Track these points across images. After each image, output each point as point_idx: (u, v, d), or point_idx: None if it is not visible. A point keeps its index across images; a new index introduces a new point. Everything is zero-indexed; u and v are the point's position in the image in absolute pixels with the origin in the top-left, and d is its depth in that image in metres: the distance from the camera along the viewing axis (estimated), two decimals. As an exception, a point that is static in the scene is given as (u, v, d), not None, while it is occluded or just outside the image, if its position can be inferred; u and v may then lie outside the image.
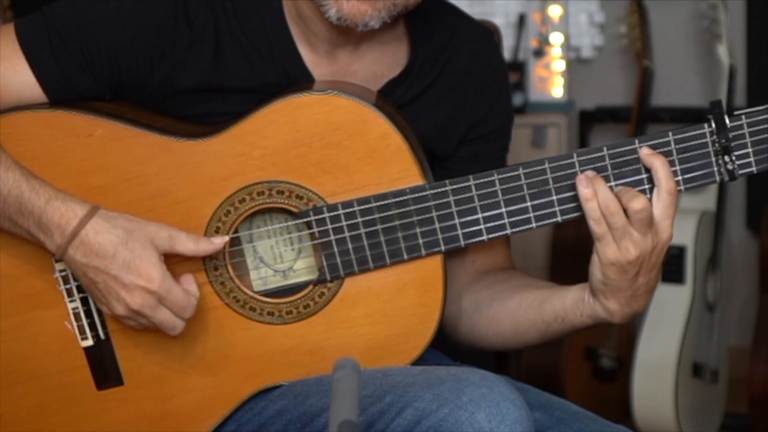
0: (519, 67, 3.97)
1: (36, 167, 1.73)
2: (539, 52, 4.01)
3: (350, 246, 1.74)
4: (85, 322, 1.77)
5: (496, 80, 1.90)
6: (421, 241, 1.74)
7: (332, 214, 1.73)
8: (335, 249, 1.74)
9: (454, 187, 1.73)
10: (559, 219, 1.73)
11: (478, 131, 1.88)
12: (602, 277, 1.70)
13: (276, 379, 1.78)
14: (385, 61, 1.83)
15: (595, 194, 1.68)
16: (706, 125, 1.71)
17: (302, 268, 1.80)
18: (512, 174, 1.72)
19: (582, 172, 1.70)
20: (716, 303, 3.75)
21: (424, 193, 1.73)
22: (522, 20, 4.02)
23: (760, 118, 1.71)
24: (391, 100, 1.81)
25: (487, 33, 1.93)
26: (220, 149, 1.73)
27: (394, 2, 1.72)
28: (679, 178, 1.71)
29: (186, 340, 1.75)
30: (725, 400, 3.83)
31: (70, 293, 1.76)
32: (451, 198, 1.73)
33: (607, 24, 4.22)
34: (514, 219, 1.73)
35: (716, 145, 1.71)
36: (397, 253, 1.74)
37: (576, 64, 4.25)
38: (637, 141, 1.71)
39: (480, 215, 1.73)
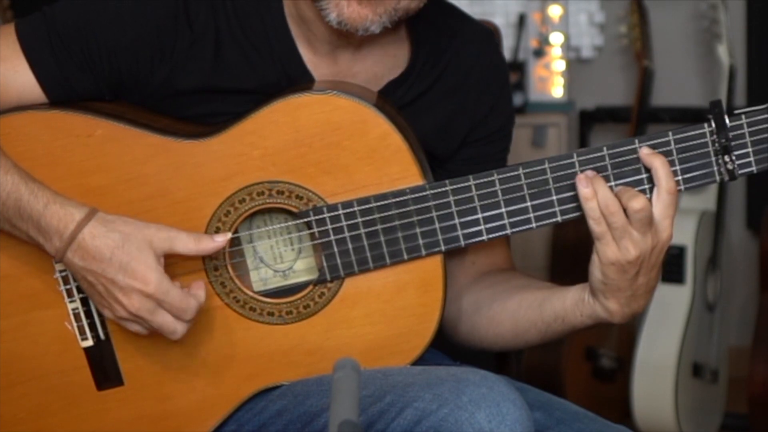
0: (519, 67, 3.97)
1: (36, 167, 1.73)
2: (539, 52, 4.02)
3: (350, 246, 1.74)
4: (85, 322, 1.77)
5: (497, 81, 1.90)
6: (421, 241, 1.74)
7: (332, 214, 1.73)
8: (335, 249, 1.74)
9: (454, 187, 1.73)
10: (559, 219, 1.73)
11: (479, 132, 1.88)
12: (602, 276, 1.70)
13: (276, 379, 1.78)
14: (386, 62, 1.83)
15: (594, 194, 1.68)
16: (706, 125, 1.71)
17: (302, 268, 1.80)
18: (512, 174, 1.72)
19: (582, 172, 1.70)
20: (716, 303, 3.75)
21: (424, 193, 1.73)
22: (522, 20, 4.02)
23: (760, 117, 1.71)
24: (392, 101, 1.81)
25: (488, 34, 1.93)
26: (220, 149, 1.73)
27: (395, 7, 1.72)
28: (679, 177, 1.71)
29: (186, 341, 1.75)
30: (725, 400, 3.83)
31: (70, 293, 1.76)
32: (451, 198, 1.73)
33: (607, 24, 4.22)
34: (514, 219, 1.73)
35: (716, 144, 1.71)
36: (397, 253, 1.74)
37: (576, 64, 4.25)
38: (637, 141, 1.71)
39: (480, 215, 1.73)
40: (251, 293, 1.76)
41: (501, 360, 2.20)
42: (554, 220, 1.73)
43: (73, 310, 1.76)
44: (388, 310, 1.76)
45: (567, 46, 4.08)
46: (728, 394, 3.83)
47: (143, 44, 1.75)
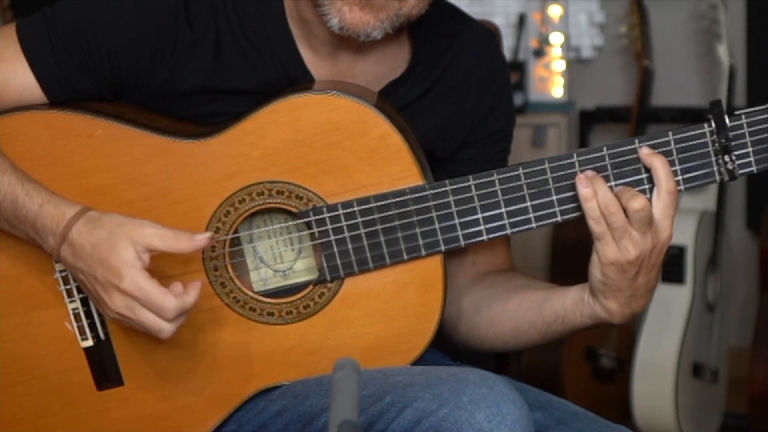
0: (519, 67, 3.97)
1: (36, 167, 1.73)
2: (539, 52, 4.01)
3: (350, 246, 1.74)
4: (85, 322, 1.77)
5: (497, 82, 1.90)
6: (421, 241, 1.74)
7: (332, 214, 1.73)
8: (335, 249, 1.74)
9: (454, 187, 1.73)
10: (559, 219, 1.73)
11: (479, 133, 1.88)
12: (602, 276, 1.70)
13: (276, 379, 1.78)
14: (387, 63, 1.83)
15: (594, 194, 1.68)
16: (706, 125, 1.71)
17: (302, 268, 1.80)
18: (512, 174, 1.72)
19: (582, 171, 1.70)
20: (716, 303, 3.75)
21: (424, 193, 1.73)
22: (522, 20, 4.02)
23: (760, 117, 1.71)
24: (392, 101, 1.81)
25: (489, 34, 1.93)
26: (219, 150, 1.73)
27: (397, 13, 1.72)
28: (679, 177, 1.71)
29: (186, 341, 1.75)
30: (725, 400, 3.83)
31: (70, 294, 1.76)
32: (451, 198, 1.73)
33: (607, 24, 4.22)
34: (514, 219, 1.73)
35: (716, 144, 1.71)
36: (397, 253, 1.74)
37: (576, 64, 4.25)
38: (637, 141, 1.71)
39: (480, 215, 1.73)
40: (251, 293, 1.76)
41: (501, 360, 2.20)
42: (554, 220, 1.73)
43: (73, 310, 1.77)
44: (388, 310, 1.76)
45: (567, 46, 4.08)
46: (728, 394, 3.83)
47: (143, 44, 1.75)
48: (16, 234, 1.72)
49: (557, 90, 4.03)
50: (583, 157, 1.71)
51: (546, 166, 1.72)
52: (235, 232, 1.76)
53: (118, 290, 1.64)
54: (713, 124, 1.70)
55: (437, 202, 1.73)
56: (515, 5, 4.07)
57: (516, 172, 1.72)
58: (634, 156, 1.70)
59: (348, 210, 1.73)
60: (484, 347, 1.88)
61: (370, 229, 1.73)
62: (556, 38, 4.03)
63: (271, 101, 1.73)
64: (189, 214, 1.73)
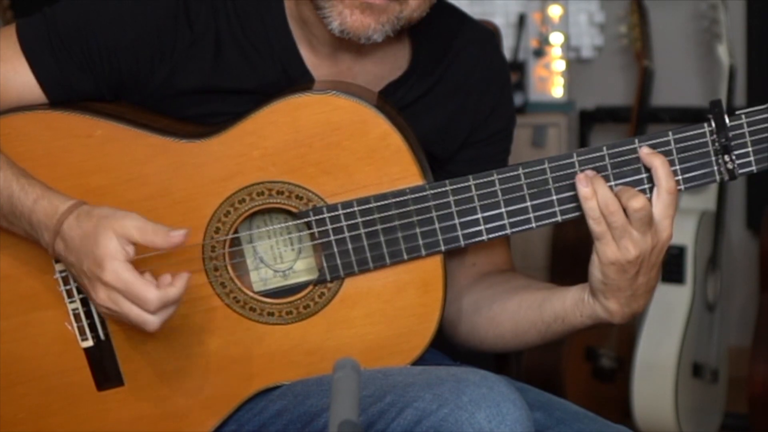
0: (519, 67, 3.97)
1: (36, 168, 1.73)
2: (539, 52, 4.01)
3: (350, 246, 1.74)
4: (85, 322, 1.77)
5: (497, 82, 1.90)
6: (421, 241, 1.74)
7: (332, 214, 1.73)
8: (335, 249, 1.74)
9: (454, 187, 1.73)
10: (559, 219, 1.73)
11: (480, 134, 1.88)
12: (602, 276, 1.70)
13: (276, 379, 1.78)
14: (387, 64, 1.83)
15: (594, 193, 1.68)
16: (705, 125, 1.71)
17: (302, 268, 1.80)
18: (512, 174, 1.72)
19: (582, 171, 1.70)
20: (716, 303, 3.75)
21: (424, 193, 1.73)
22: (522, 20, 4.02)
23: (760, 117, 1.71)
24: (392, 102, 1.81)
25: (489, 35, 1.93)
26: (219, 150, 1.73)
27: (398, 16, 1.72)
28: (679, 177, 1.71)
29: (186, 341, 1.75)
30: (725, 400, 3.83)
31: (70, 294, 1.76)
32: (451, 198, 1.73)
33: (607, 24, 4.22)
34: (514, 219, 1.73)
35: (716, 144, 1.71)
36: (397, 253, 1.74)
37: (576, 64, 4.25)
38: (637, 141, 1.71)
39: (480, 215, 1.73)
40: (251, 293, 1.76)
41: (501, 360, 2.20)
42: (554, 220, 1.73)
43: (73, 310, 1.77)
44: (388, 310, 1.76)
45: (567, 46, 4.08)
46: (728, 394, 3.83)
47: (143, 44, 1.75)
48: (14, 230, 1.72)
49: (557, 90, 4.03)
50: (583, 157, 1.71)
51: (546, 166, 1.72)
52: (235, 232, 1.76)
53: (101, 282, 1.63)
54: (713, 124, 1.70)
55: (437, 202, 1.73)
56: (515, 5, 4.07)
57: (516, 172, 1.72)
58: (634, 156, 1.70)
59: (348, 210, 1.73)
60: (484, 348, 1.88)
61: (370, 229, 1.73)
62: (556, 38, 4.03)
63: (271, 101, 1.73)
64: (189, 214, 1.73)
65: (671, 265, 3.58)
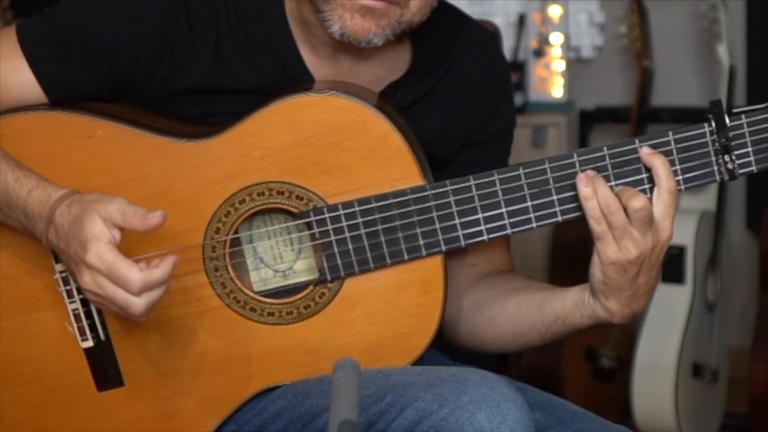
0: (519, 67, 3.97)
1: (36, 168, 1.73)
2: (539, 52, 4.01)
3: (351, 246, 1.74)
4: (85, 323, 1.77)
5: (498, 83, 1.90)
6: (421, 241, 1.74)
7: (332, 214, 1.73)
8: (335, 249, 1.74)
9: (455, 187, 1.73)
10: (559, 219, 1.73)
11: (480, 135, 1.88)
12: (602, 276, 1.70)
13: (276, 379, 1.78)
14: (387, 64, 1.83)
15: (595, 193, 1.68)
16: (706, 125, 1.71)
17: (302, 268, 1.80)
18: (512, 174, 1.72)
19: (582, 171, 1.70)
20: (716, 303, 3.75)
21: (425, 193, 1.73)
22: (522, 20, 4.02)
23: (760, 117, 1.71)
24: (393, 102, 1.81)
25: (490, 36, 1.93)
26: (220, 150, 1.73)
27: (398, 20, 1.72)
28: (680, 177, 1.71)
29: (186, 341, 1.75)
30: (725, 400, 3.83)
31: (70, 294, 1.76)
32: (452, 198, 1.73)
33: (607, 24, 4.22)
34: (514, 219, 1.73)
35: (716, 144, 1.71)
36: (397, 253, 1.74)
37: (576, 64, 4.25)
38: (637, 141, 1.71)
39: (480, 215, 1.73)
40: (251, 293, 1.76)
41: (501, 360, 2.20)
42: (554, 220, 1.73)
43: (73, 310, 1.76)
44: (389, 310, 1.76)
45: (567, 46, 4.08)
46: (728, 394, 3.83)
47: (143, 44, 1.75)
48: (10, 223, 1.72)
49: (557, 90, 4.03)
50: (584, 157, 1.71)
51: (546, 166, 1.72)
52: (236, 232, 1.76)
53: (85, 264, 1.61)
54: (713, 124, 1.70)
55: (438, 202, 1.73)
56: (515, 5, 4.07)
57: (516, 172, 1.72)
58: (635, 156, 1.70)
59: (349, 210, 1.73)
60: (484, 348, 1.88)
61: (370, 229, 1.73)
62: (556, 38, 4.03)
63: (271, 101, 1.73)
64: (189, 214, 1.73)
65: (671, 265, 3.58)
